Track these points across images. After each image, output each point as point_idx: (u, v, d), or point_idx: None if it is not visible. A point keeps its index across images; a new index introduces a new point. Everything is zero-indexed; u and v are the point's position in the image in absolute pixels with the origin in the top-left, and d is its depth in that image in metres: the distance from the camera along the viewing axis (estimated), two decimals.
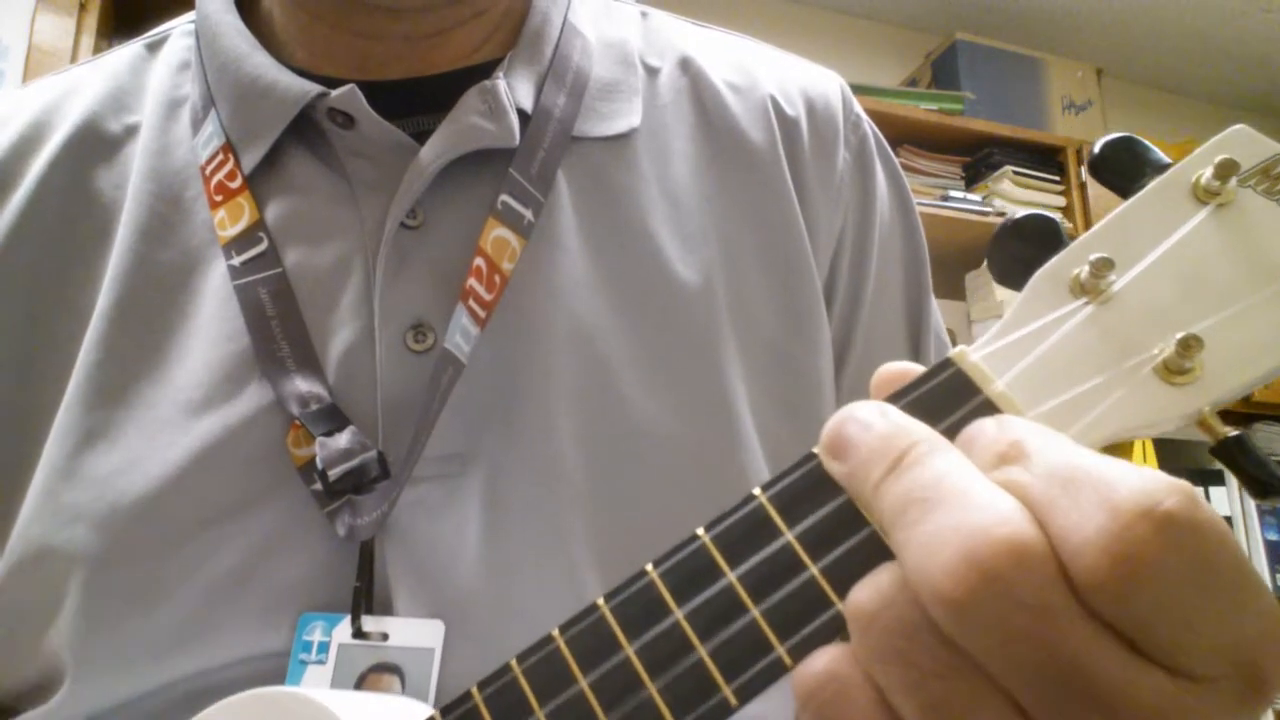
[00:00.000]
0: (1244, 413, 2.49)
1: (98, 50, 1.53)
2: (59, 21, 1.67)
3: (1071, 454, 0.22)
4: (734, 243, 0.49)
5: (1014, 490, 0.22)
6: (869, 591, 0.23)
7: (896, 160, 0.58)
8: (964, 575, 0.21)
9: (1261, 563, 2.41)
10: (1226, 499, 2.43)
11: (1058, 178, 2.43)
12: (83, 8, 1.69)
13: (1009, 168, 2.38)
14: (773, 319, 0.49)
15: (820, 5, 2.74)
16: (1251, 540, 2.42)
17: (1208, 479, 2.43)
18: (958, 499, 0.22)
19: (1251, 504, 2.45)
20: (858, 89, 2.32)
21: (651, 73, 0.53)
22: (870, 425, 0.25)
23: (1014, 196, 2.36)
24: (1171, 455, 2.41)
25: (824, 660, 0.24)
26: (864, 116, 0.57)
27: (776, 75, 0.55)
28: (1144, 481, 0.21)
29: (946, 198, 2.36)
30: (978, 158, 2.43)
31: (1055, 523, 0.21)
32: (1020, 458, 0.23)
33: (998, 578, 0.21)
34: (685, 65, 0.54)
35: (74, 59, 1.63)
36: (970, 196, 2.38)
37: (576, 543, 0.41)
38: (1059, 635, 0.21)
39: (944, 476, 0.23)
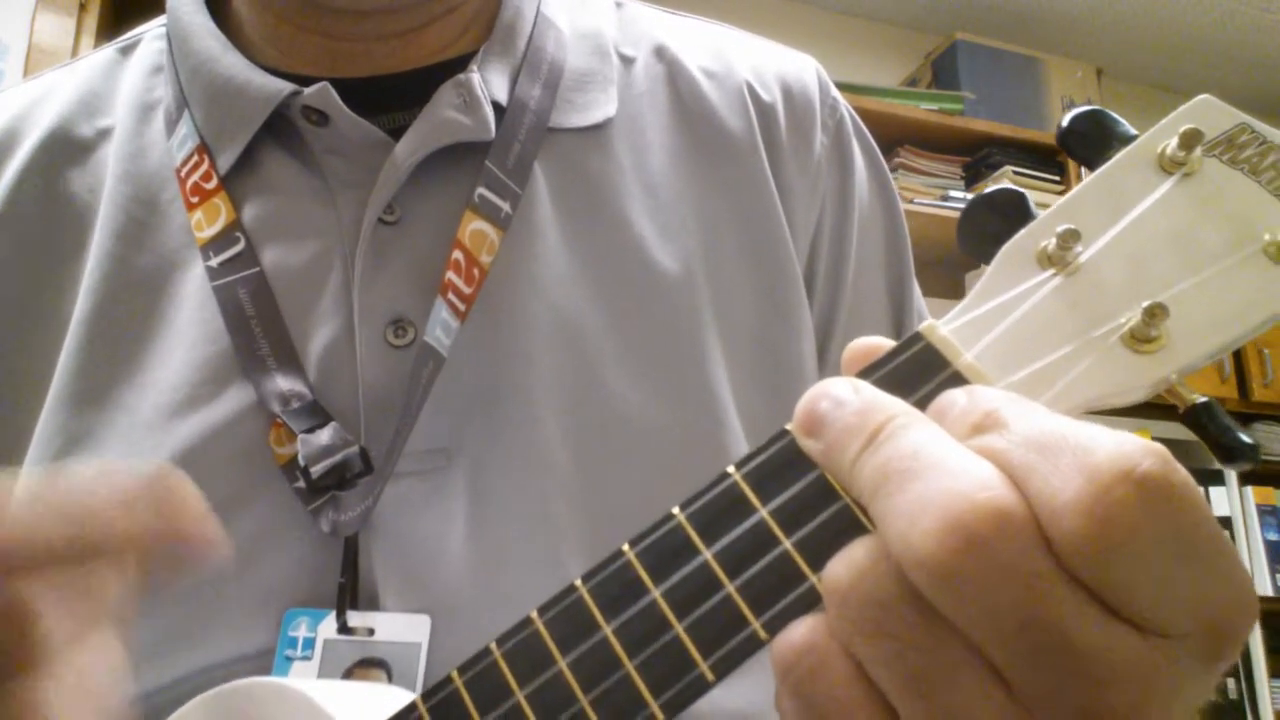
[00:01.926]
0: (1244, 412, 2.49)
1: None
2: (59, 21, 1.68)
3: (1046, 419, 0.23)
4: (713, 230, 0.49)
5: (992, 457, 0.22)
6: (844, 565, 0.23)
7: (874, 142, 0.58)
8: (948, 541, 0.21)
9: (1261, 563, 2.41)
10: (1226, 499, 2.43)
11: (1057, 178, 2.43)
12: (83, 8, 1.69)
13: (1009, 168, 2.38)
14: (753, 305, 0.49)
15: (820, 5, 2.74)
16: (1251, 540, 2.42)
17: (1208, 479, 2.43)
18: (937, 467, 0.22)
19: (1252, 504, 2.45)
20: (858, 89, 2.33)
21: (627, 62, 0.53)
22: (844, 401, 0.25)
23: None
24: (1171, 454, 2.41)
25: (801, 632, 0.24)
26: (840, 99, 0.57)
27: (752, 61, 0.55)
28: (1121, 444, 0.21)
29: (946, 198, 2.36)
30: (978, 158, 2.43)
31: (1034, 487, 0.21)
32: (995, 426, 0.23)
33: (982, 542, 0.21)
34: (661, 53, 0.54)
35: (74, 58, 1.63)
36: (970, 196, 2.37)
37: (563, 533, 0.41)
38: (1040, 599, 0.21)
39: (922, 447, 0.23)
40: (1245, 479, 2.47)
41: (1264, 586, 2.39)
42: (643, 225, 0.48)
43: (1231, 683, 2.29)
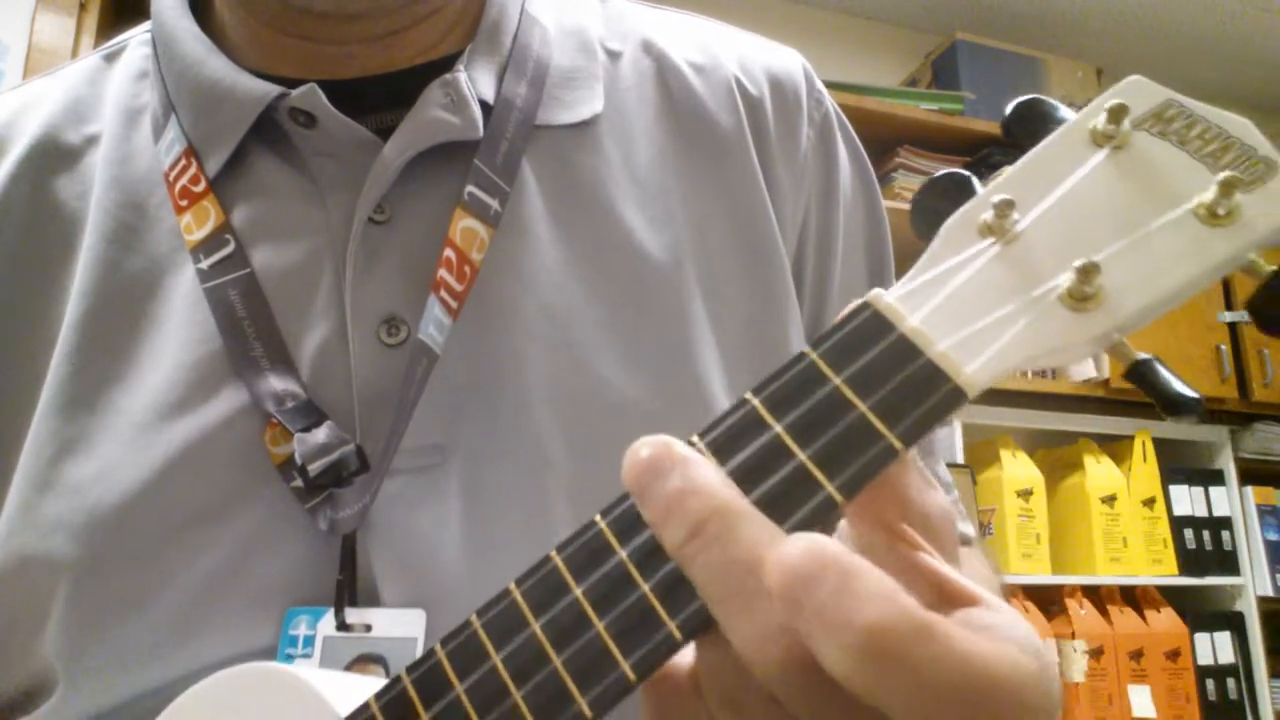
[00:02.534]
0: (1244, 412, 2.49)
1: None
2: (59, 21, 1.68)
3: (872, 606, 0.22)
4: (702, 222, 0.49)
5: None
6: (705, 660, 0.25)
7: (856, 136, 0.58)
8: (790, 678, 0.23)
9: (1261, 563, 2.41)
10: (1226, 499, 2.43)
11: None
12: (83, 8, 1.69)
13: (1008, 168, 2.37)
14: (743, 296, 0.49)
15: (820, 5, 2.74)
16: (1251, 540, 2.43)
17: (1208, 479, 2.43)
18: (763, 600, 0.23)
19: (1252, 504, 2.45)
20: (858, 89, 2.33)
21: (613, 57, 0.53)
22: (661, 472, 0.25)
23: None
24: (1171, 455, 2.41)
25: (673, 685, 0.26)
26: (825, 93, 0.57)
27: (739, 55, 0.55)
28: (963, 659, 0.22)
29: None
30: (978, 158, 2.43)
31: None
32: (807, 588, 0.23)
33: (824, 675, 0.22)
34: (648, 48, 0.54)
35: (74, 58, 1.63)
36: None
37: (558, 525, 0.42)
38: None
39: (748, 564, 0.23)
40: (1245, 479, 2.47)
41: (1264, 587, 2.39)
42: (632, 217, 0.48)
43: (1231, 683, 2.29)
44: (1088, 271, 0.26)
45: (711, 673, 0.25)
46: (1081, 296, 0.26)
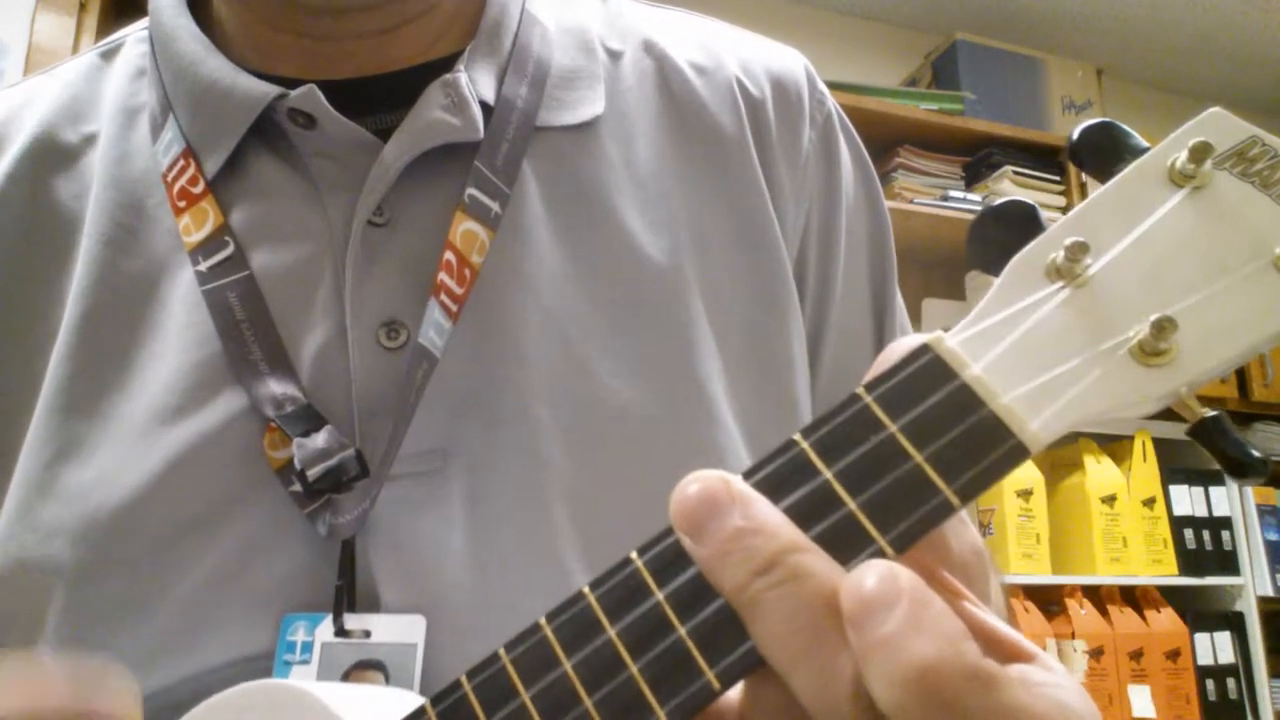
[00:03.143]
0: (1244, 412, 2.49)
1: None
2: (59, 21, 1.68)
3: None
4: (702, 225, 0.49)
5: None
6: (758, 699, 0.24)
7: (858, 137, 0.58)
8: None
9: (1261, 562, 2.41)
10: (1226, 499, 2.43)
11: (1058, 178, 2.43)
12: (83, 7, 1.69)
13: (1009, 168, 2.38)
14: (744, 299, 0.49)
15: (820, 5, 2.74)
16: (1251, 540, 2.42)
17: (1207, 479, 2.43)
18: (834, 639, 0.22)
19: (1252, 504, 2.45)
20: (858, 89, 2.33)
21: (614, 57, 0.53)
22: (720, 510, 0.24)
23: (1014, 196, 2.36)
24: (1171, 455, 2.41)
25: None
26: (827, 94, 0.57)
27: (740, 55, 0.55)
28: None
29: (946, 198, 2.36)
30: (978, 158, 2.43)
31: None
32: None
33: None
34: (649, 48, 0.54)
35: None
36: (970, 196, 2.38)
37: (560, 530, 0.41)
38: None
39: (822, 600, 0.23)
40: None
41: (1264, 586, 2.39)
42: (632, 220, 0.48)
43: (1231, 682, 2.29)
44: (1163, 327, 0.25)
45: (765, 713, 0.24)
46: (1154, 352, 0.25)
